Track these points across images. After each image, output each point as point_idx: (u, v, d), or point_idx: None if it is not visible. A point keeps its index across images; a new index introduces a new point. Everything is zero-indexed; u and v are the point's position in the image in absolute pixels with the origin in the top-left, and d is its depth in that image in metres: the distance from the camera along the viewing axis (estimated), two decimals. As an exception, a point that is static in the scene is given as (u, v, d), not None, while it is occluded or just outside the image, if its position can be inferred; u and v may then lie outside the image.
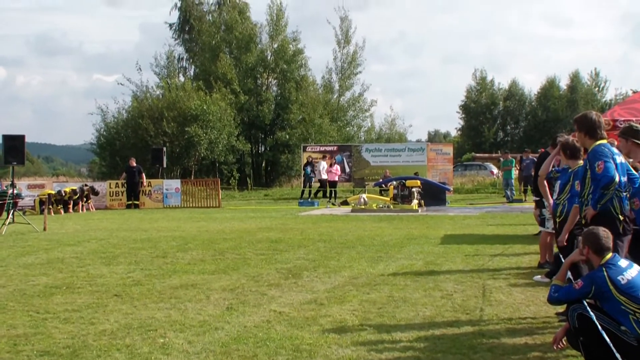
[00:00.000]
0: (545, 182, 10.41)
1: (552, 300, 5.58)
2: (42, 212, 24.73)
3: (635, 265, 5.60)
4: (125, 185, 30.25)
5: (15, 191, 24.34)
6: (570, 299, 5.43)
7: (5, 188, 26.76)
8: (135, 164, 30.46)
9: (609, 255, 5.62)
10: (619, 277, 5.37)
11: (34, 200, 27.82)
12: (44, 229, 18.45)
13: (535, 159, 24.99)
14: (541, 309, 7.89)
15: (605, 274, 5.42)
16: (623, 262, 5.59)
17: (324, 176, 32.07)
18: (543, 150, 12.07)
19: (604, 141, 6.33)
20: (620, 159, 6.23)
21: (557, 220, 7.72)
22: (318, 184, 33.31)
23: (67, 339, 6.72)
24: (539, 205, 10.97)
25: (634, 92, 23.92)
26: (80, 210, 27.73)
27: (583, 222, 6.26)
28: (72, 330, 7.07)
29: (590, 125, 6.39)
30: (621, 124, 12.51)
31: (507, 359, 5.93)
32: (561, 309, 7.76)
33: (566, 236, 7.13)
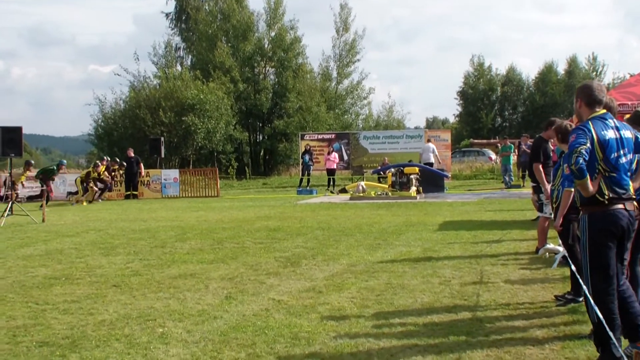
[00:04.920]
0: (540, 168, 10.43)
1: (572, 166, 5.26)
2: (85, 191, 26.24)
3: (625, 131, 5.52)
4: (124, 175, 30.23)
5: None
6: (575, 148, 5.22)
7: (53, 167, 26.76)
8: (133, 155, 30.45)
9: (601, 110, 5.56)
10: (602, 132, 5.37)
11: (75, 180, 28.13)
12: (43, 221, 18.45)
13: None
14: (538, 294, 7.91)
15: (590, 124, 5.41)
16: (612, 122, 5.50)
17: (432, 160, 31.27)
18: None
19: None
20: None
21: (554, 206, 7.73)
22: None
23: (66, 330, 6.74)
24: (537, 190, 10.99)
25: (631, 76, 23.84)
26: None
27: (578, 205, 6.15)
28: (71, 321, 7.09)
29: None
30: (617, 108, 12.50)
31: (505, 344, 5.94)
32: (559, 291, 7.81)
33: (561, 221, 7.14)
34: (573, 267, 6.55)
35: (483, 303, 7.52)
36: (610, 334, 5.05)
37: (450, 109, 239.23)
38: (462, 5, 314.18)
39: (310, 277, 9.25)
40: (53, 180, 26.74)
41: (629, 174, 5.51)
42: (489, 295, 7.90)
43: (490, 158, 44.12)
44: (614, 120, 5.55)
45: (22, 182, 25.66)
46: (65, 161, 29.34)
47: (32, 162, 27.73)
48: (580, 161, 5.16)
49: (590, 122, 5.45)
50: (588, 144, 5.26)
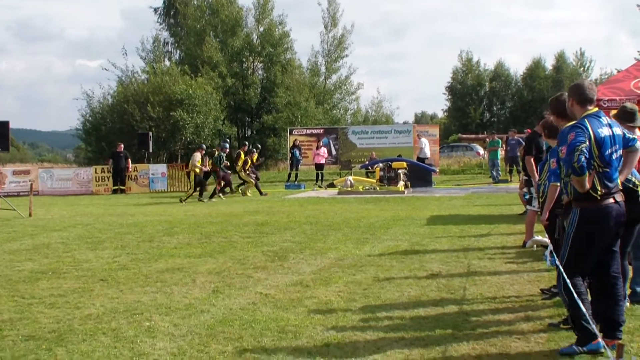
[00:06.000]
0: (532, 161, 10.47)
1: (574, 164, 5.35)
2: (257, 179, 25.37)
3: (615, 128, 5.66)
4: (112, 170, 30.10)
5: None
6: (577, 146, 5.34)
7: (220, 154, 25.22)
8: (122, 149, 30.35)
9: (594, 109, 5.68)
10: (599, 130, 5.51)
11: (239, 174, 26.03)
12: (30, 215, 18.38)
13: (521, 140, 25.11)
14: (525, 288, 7.95)
15: (586, 122, 5.54)
16: (605, 120, 5.64)
17: (428, 154, 31.42)
18: (530, 130, 12.10)
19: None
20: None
21: (540, 201, 7.77)
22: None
23: (53, 324, 6.72)
24: (528, 184, 11.02)
25: (618, 71, 23.89)
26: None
27: (563, 203, 6.21)
28: (58, 315, 7.08)
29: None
30: (605, 104, 12.55)
31: (491, 337, 5.98)
32: (545, 285, 7.86)
33: (547, 215, 7.18)
34: (558, 262, 6.59)
35: (470, 296, 7.56)
36: (584, 309, 5.19)
37: (438, 104, 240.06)
38: (452, 0, 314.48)
39: (298, 271, 9.26)
40: (225, 166, 24.92)
41: (618, 168, 5.68)
42: (476, 288, 7.94)
43: (478, 153, 44.32)
44: (607, 117, 5.71)
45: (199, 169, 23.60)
46: (227, 144, 27.78)
47: (204, 145, 25.84)
48: (582, 159, 5.33)
49: (586, 120, 5.59)
50: (587, 142, 5.42)
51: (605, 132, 5.54)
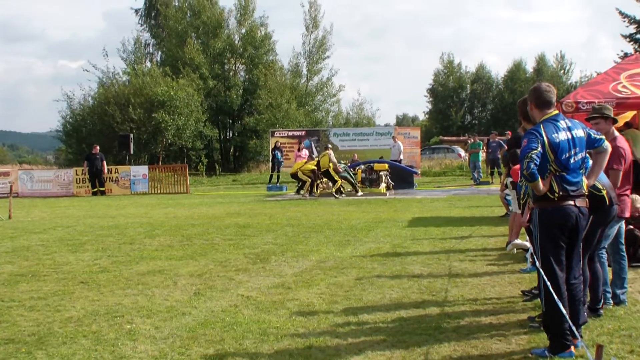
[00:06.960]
0: None
1: (523, 171, 5.45)
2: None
3: (576, 130, 5.65)
4: (88, 173, 29.87)
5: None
6: (527, 154, 5.41)
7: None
8: (98, 151, 30.17)
9: (553, 112, 5.72)
10: (553, 135, 5.53)
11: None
12: (9, 217, 18.24)
13: (502, 142, 25.23)
14: (506, 289, 7.99)
15: (541, 127, 5.58)
16: (563, 123, 5.65)
17: (400, 157, 31.33)
18: (511, 132, 12.14)
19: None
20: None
21: (521, 202, 7.80)
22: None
23: (33, 327, 6.67)
24: (513, 185, 11.03)
25: (598, 74, 24.06)
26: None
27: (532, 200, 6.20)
28: (38, 318, 7.02)
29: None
30: (584, 106, 12.62)
31: (472, 339, 6.00)
32: (526, 286, 7.89)
33: (528, 217, 7.21)
34: (538, 263, 6.62)
35: (451, 298, 7.58)
36: (566, 315, 5.28)
37: (420, 106, 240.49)
38: (433, 2, 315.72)
39: (280, 274, 9.25)
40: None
41: (581, 171, 5.70)
42: (457, 290, 7.96)
43: (460, 155, 44.46)
44: (566, 120, 5.71)
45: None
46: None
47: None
48: (532, 166, 5.38)
49: (541, 125, 5.62)
50: (539, 148, 5.46)
51: (562, 136, 5.54)
